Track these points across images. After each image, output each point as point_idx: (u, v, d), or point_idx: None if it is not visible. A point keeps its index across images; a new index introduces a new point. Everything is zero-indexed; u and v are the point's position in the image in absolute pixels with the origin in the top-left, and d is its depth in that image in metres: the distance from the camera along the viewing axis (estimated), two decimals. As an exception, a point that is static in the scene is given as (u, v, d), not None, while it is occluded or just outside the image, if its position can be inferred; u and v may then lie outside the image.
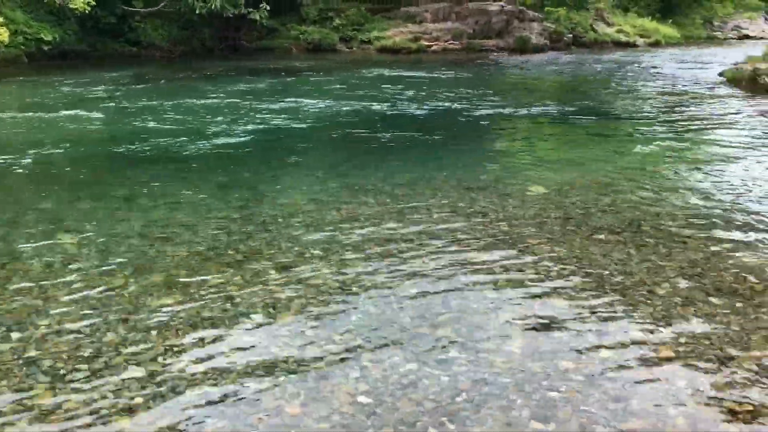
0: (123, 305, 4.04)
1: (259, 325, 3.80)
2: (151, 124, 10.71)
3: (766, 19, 48.90)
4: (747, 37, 41.45)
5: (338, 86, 15.82)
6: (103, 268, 4.62)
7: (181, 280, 4.42)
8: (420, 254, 4.89)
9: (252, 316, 3.91)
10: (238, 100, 13.43)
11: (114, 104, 12.98)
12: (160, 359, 3.40)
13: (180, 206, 6.17)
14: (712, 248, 5.04)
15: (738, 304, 4.07)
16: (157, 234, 5.35)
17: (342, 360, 3.40)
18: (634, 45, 32.75)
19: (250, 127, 10.52)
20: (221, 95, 14.26)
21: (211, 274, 4.51)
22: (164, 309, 3.99)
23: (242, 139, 9.64)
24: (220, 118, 11.21)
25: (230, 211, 5.99)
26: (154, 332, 3.70)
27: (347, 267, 4.65)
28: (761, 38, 38.92)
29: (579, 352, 3.49)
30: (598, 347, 3.55)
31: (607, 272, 4.54)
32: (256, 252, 4.93)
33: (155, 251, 4.95)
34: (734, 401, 3.05)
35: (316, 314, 3.93)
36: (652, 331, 3.72)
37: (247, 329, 3.76)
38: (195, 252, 4.93)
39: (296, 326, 3.77)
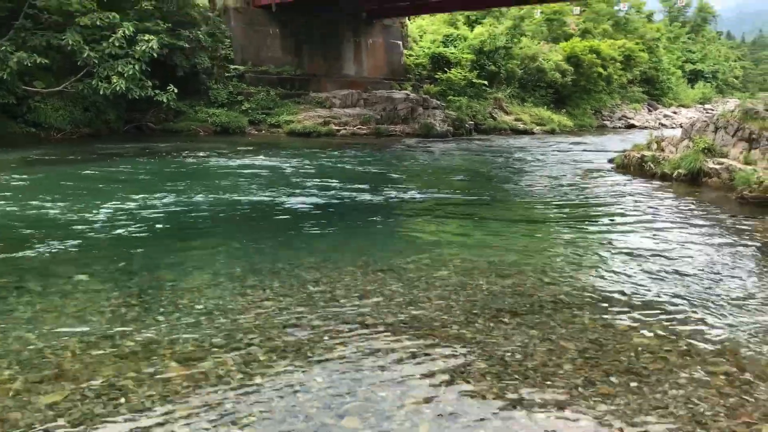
0: (5, 403, 3.73)
1: (157, 423, 3.59)
2: (44, 208, 10.24)
3: (649, 109, 52.98)
4: (633, 126, 44.63)
5: (244, 169, 15.73)
6: (-17, 363, 4.28)
7: (72, 374, 4.14)
8: (326, 340, 4.81)
9: (148, 411, 3.69)
10: (137, 183, 13.11)
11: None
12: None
13: (72, 293, 5.86)
14: (610, 328, 5.22)
15: (634, 384, 4.20)
16: (46, 324, 5.04)
17: (243, 456, 3.24)
18: (531, 132, 34.58)
19: (150, 209, 10.22)
20: (119, 178, 13.88)
21: (105, 366, 4.26)
22: (52, 407, 3.71)
23: (142, 221, 9.34)
24: (117, 201, 10.85)
25: (127, 298, 5.73)
26: (36, 433, 3.42)
27: (251, 355, 4.51)
28: (645, 127, 41.97)
29: (485, 438, 3.47)
30: (504, 432, 3.55)
31: (510, 355, 4.60)
32: (153, 342, 4.71)
33: (44, 343, 4.65)
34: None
35: (216, 407, 3.75)
36: (556, 416, 3.76)
37: (143, 427, 3.53)
38: (87, 343, 4.66)
39: (195, 422, 3.59)
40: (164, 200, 11.05)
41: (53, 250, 7.56)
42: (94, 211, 9.84)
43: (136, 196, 11.17)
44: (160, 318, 5.25)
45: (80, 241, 8.07)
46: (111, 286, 6.13)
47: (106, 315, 5.28)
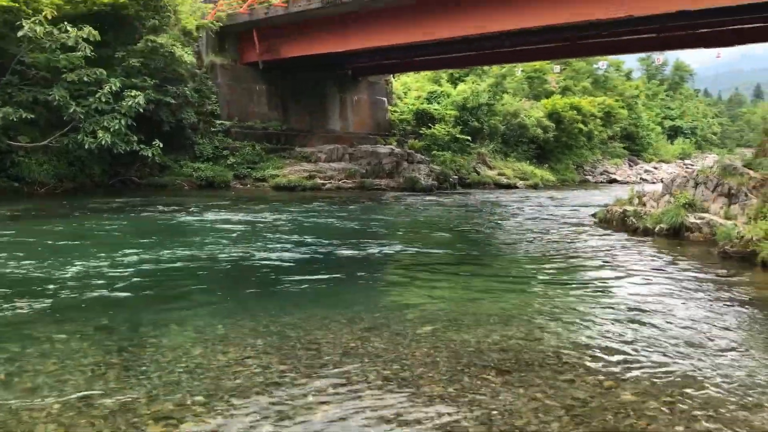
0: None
1: (132, 486, 3.48)
2: (23, 265, 10.11)
3: (630, 164, 53.87)
4: (615, 180, 45.28)
5: (227, 224, 15.69)
6: (-44, 425, 4.16)
7: (47, 436, 4.03)
8: (310, 399, 4.73)
9: (124, 475, 3.59)
10: (118, 239, 13.01)
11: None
12: None
13: (50, 352, 5.74)
14: (596, 386, 5.18)
15: (622, 443, 4.15)
16: (22, 384, 4.92)
17: None
18: (514, 186, 34.96)
19: (131, 266, 10.11)
20: (100, 233, 13.79)
21: (82, 428, 4.15)
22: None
23: (123, 278, 9.23)
24: (98, 257, 10.74)
25: (107, 356, 5.63)
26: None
27: (232, 416, 4.42)
28: (627, 182, 42.61)
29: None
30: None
31: (496, 413, 4.54)
32: (134, 401, 4.61)
33: (20, 403, 4.53)
34: None
35: (196, 470, 3.65)
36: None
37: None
38: (65, 403, 4.54)
39: (173, 485, 3.48)
40: (146, 256, 10.95)
41: (32, 308, 7.43)
42: (74, 268, 9.72)
43: (118, 253, 11.07)
44: (141, 377, 5.15)
45: (59, 298, 7.95)
46: (90, 344, 6.02)
47: (85, 374, 5.17)
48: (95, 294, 8.23)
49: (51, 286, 8.50)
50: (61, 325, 6.70)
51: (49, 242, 12.26)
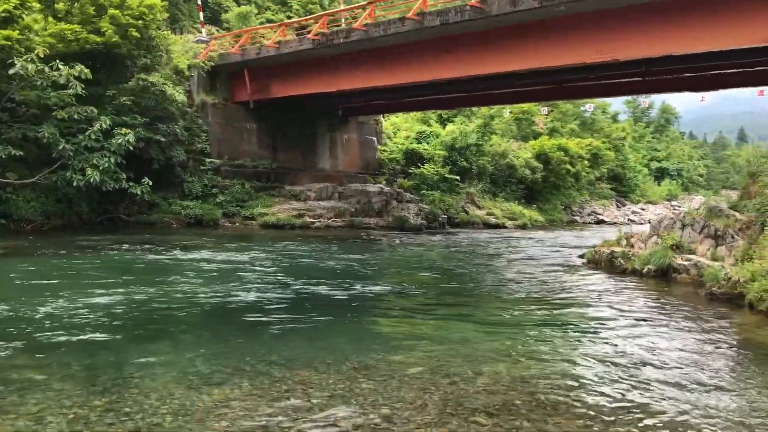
0: None
1: None
2: (4, 303, 9.98)
3: (617, 205, 54.27)
4: (602, 221, 45.53)
5: (214, 263, 15.58)
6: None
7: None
8: (296, 443, 4.66)
9: None
10: (104, 277, 12.83)
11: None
12: None
13: (32, 393, 5.63)
14: (585, 429, 5.13)
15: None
16: (3, 427, 4.81)
17: None
18: (503, 226, 35.06)
19: (117, 305, 9.99)
20: (85, 272, 13.63)
21: (62, 473, 4.06)
22: None
23: (108, 317, 9.11)
24: (82, 296, 10.61)
25: (91, 398, 5.53)
26: None
27: (217, 460, 4.33)
28: (614, 222, 42.82)
29: None
30: None
31: (486, 458, 4.48)
32: (115, 445, 4.52)
33: (-2, 447, 4.43)
34: None
35: None
36: None
37: None
38: (45, 447, 4.45)
39: None
40: (130, 296, 10.84)
41: (12, 348, 7.32)
42: (56, 307, 9.60)
43: (100, 292, 10.95)
44: (125, 418, 5.06)
45: (41, 338, 7.83)
46: (73, 385, 5.92)
47: (67, 416, 5.08)
48: (77, 334, 8.12)
49: (32, 326, 8.39)
50: (43, 366, 6.60)
51: (32, 281, 12.13)
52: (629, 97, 76.62)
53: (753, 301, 10.60)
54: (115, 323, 8.76)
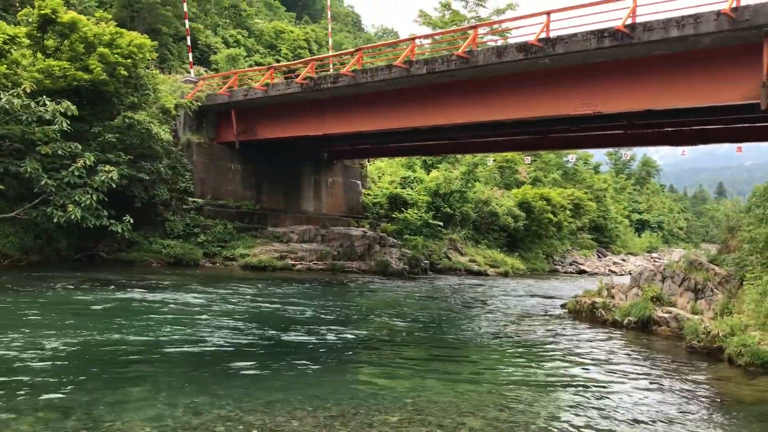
0: None
1: None
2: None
3: (599, 256, 54.60)
4: (584, 271, 45.71)
5: (192, 305, 15.27)
6: None
7: None
8: (268, 494, 4.52)
9: None
10: (77, 317, 12.49)
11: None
12: None
13: (-1, 435, 5.46)
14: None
15: None
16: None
17: None
18: (485, 274, 35.06)
19: (89, 345, 9.78)
20: (58, 311, 13.26)
21: None
22: None
23: (79, 357, 8.90)
24: (53, 336, 10.36)
25: (59, 441, 5.36)
26: None
27: None
28: (595, 273, 43.00)
29: None
30: None
31: None
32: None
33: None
34: None
35: None
36: None
37: None
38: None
39: None
40: (103, 337, 10.62)
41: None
42: (25, 346, 9.38)
43: (75, 331, 10.73)
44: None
45: (9, 376, 7.63)
46: (43, 427, 5.73)
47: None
48: (48, 371, 7.92)
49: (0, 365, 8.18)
50: (11, 405, 6.40)
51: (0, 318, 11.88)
52: (611, 149, 77.97)
53: (732, 356, 10.61)
54: (86, 364, 8.59)
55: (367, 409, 6.94)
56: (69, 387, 7.36)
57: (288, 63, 32.32)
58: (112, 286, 17.32)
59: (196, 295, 16.81)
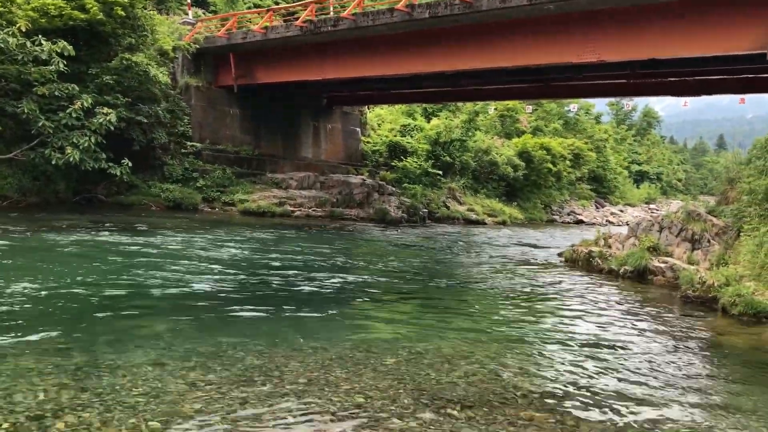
0: None
1: None
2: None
3: (597, 206, 54.72)
4: (581, 221, 45.89)
5: (192, 248, 15.41)
6: None
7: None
8: (269, 429, 4.63)
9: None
10: (76, 257, 12.61)
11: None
12: None
13: (1, 370, 5.54)
14: (558, 424, 5.17)
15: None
16: (-30, 402, 4.74)
17: None
18: (483, 223, 35.18)
19: (89, 286, 9.87)
20: (58, 251, 13.38)
21: (29, 451, 4.00)
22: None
23: (79, 298, 9.00)
24: (53, 276, 10.47)
25: (62, 377, 5.46)
26: None
27: (188, 443, 4.30)
28: (593, 223, 43.16)
29: None
30: None
31: (458, 449, 4.49)
32: (86, 425, 4.46)
33: (-35, 423, 4.36)
34: None
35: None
36: None
37: None
38: (14, 423, 4.37)
39: None
40: (107, 277, 10.74)
41: (-14, 323, 7.22)
42: (26, 285, 9.47)
43: (75, 272, 10.81)
44: (95, 399, 5.00)
45: (9, 315, 7.72)
46: (44, 364, 5.83)
47: (37, 396, 5.00)
48: (50, 312, 8.02)
49: (0, 303, 8.26)
50: (13, 344, 6.49)
51: (1, 258, 11.95)
52: (613, 99, 77.32)
53: (726, 305, 10.74)
54: (88, 304, 8.67)
55: (364, 353, 7.05)
56: (69, 325, 7.44)
57: (287, 5, 31.68)
58: (115, 229, 17.35)
59: (196, 238, 16.89)
